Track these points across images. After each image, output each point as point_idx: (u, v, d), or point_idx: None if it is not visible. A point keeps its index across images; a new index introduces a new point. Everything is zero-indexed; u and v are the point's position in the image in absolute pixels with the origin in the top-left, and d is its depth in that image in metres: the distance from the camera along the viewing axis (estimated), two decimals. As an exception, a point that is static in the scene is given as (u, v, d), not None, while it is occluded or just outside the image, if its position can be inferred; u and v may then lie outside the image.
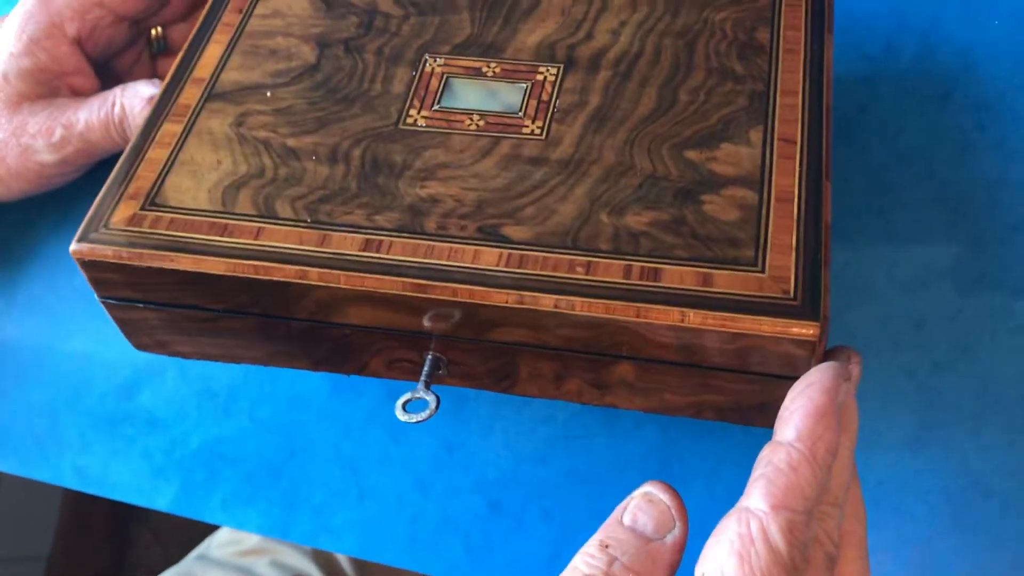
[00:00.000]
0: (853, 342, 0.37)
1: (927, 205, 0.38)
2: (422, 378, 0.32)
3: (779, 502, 0.25)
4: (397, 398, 0.31)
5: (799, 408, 0.26)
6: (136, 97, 0.39)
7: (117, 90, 0.40)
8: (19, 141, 0.40)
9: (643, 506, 0.28)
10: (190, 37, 0.37)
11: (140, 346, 0.35)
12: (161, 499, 0.41)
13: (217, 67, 0.36)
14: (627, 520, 0.27)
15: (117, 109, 0.40)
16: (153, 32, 0.44)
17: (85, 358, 0.43)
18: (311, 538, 0.40)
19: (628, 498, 0.28)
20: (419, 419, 0.31)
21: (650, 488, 0.28)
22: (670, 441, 0.38)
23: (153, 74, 0.45)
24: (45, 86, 0.40)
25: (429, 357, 0.32)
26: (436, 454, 0.39)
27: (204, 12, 0.38)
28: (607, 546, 0.27)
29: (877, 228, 0.38)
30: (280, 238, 0.31)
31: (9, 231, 0.45)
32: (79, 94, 0.41)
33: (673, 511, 0.27)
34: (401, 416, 0.31)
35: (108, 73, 0.43)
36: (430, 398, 0.31)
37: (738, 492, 0.28)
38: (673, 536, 0.27)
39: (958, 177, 0.38)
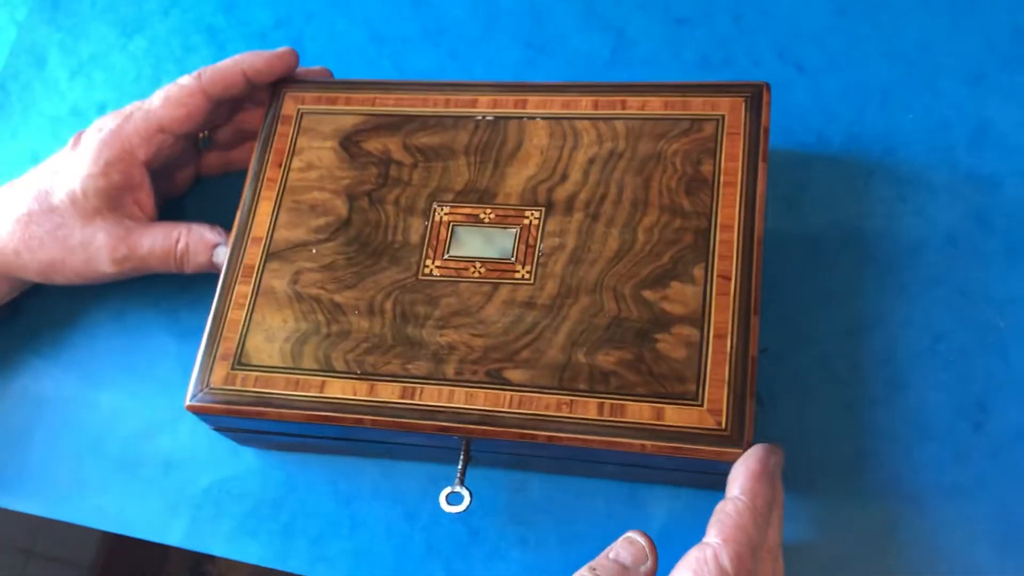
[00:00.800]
0: (800, 382, 0.42)
1: (857, 265, 0.43)
2: (457, 475, 0.40)
3: (728, 536, 0.33)
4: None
5: (742, 472, 0.35)
6: (200, 242, 0.45)
7: (183, 228, 0.46)
8: (86, 251, 0.45)
9: (624, 545, 0.36)
10: (243, 196, 0.45)
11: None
12: (172, 534, 0.45)
13: (269, 226, 0.44)
14: (611, 556, 0.36)
15: (180, 246, 0.45)
16: (200, 133, 0.50)
17: (112, 410, 0.48)
18: (307, 567, 0.43)
19: (615, 542, 0.36)
20: (459, 510, 0.39)
21: (631, 534, 0.36)
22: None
23: (198, 169, 0.51)
24: (116, 201, 0.45)
25: (460, 462, 0.40)
26: (423, 487, 0.43)
27: (250, 168, 0.45)
28: (594, 569, 0.35)
29: (815, 285, 0.43)
30: (338, 390, 0.40)
31: (57, 297, 0.51)
32: (141, 207, 0.47)
33: (647, 550, 0.36)
34: (445, 507, 0.39)
35: (159, 172, 0.49)
36: (464, 492, 0.39)
37: (694, 511, 0.41)
38: (646, 567, 0.35)
39: (884, 240, 0.43)
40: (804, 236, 0.45)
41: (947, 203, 0.44)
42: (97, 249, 0.45)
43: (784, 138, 0.46)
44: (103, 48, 0.57)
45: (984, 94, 0.45)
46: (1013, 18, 0.47)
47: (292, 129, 0.46)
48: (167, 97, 0.45)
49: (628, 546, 0.36)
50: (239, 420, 0.42)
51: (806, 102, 0.47)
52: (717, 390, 0.37)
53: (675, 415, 0.37)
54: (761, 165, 0.40)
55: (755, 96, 0.41)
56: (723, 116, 0.41)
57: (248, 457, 0.46)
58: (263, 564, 0.44)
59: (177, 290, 0.50)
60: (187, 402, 0.41)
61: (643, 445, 0.37)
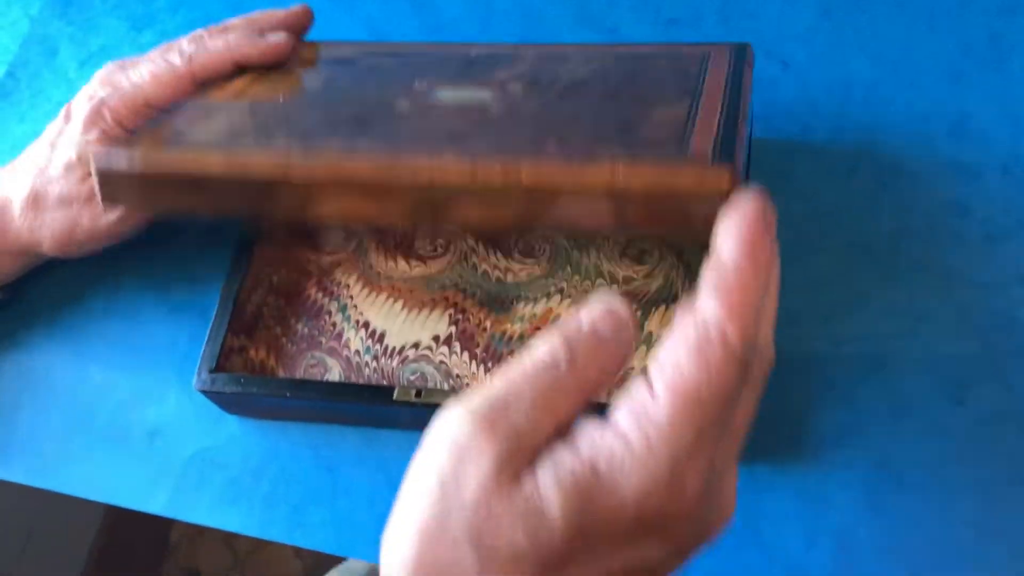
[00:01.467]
0: (783, 361, 0.42)
1: (840, 250, 0.44)
2: None
3: (734, 309, 0.25)
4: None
5: (736, 224, 0.27)
6: None
7: None
8: (91, 209, 0.46)
9: (604, 317, 0.27)
10: None
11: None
12: (155, 503, 0.45)
13: None
14: (586, 323, 0.27)
15: None
16: None
17: (101, 383, 0.48)
18: (288, 535, 0.43)
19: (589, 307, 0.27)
20: None
21: (611, 304, 0.27)
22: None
23: None
24: None
25: None
26: (405, 455, 0.43)
27: None
28: (568, 340, 0.26)
29: (798, 271, 0.44)
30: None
31: (53, 276, 0.51)
32: None
33: (628, 323, 0.27)
34: None
35: None
36: None
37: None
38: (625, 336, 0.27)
39: (866, 227, 0.44)
40: (788, 223, 0.45)
41: (927, 192, 0.45)
42: (99, 202, 0.45)
43: (769, 129, 0.47)
44: (113, 41, 0.59)
45: (963, 91, 0.47)
46: (989, 22, 0.48)
47: None
48: (155, 74, 0.46)
49: (608, 318, 0.27)
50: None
51: (791, 97, 0.48)
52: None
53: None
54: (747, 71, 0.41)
55: (739, 48, 0.42)
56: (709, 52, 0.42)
57: (231, 426, 0.46)
58: (244, 532, 0.44)
59: (172, 269, 0.50)
60: None
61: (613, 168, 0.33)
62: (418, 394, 0.42)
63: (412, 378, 0.43)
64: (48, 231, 0.46)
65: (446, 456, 0.25)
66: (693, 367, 0.25)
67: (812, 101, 0.48)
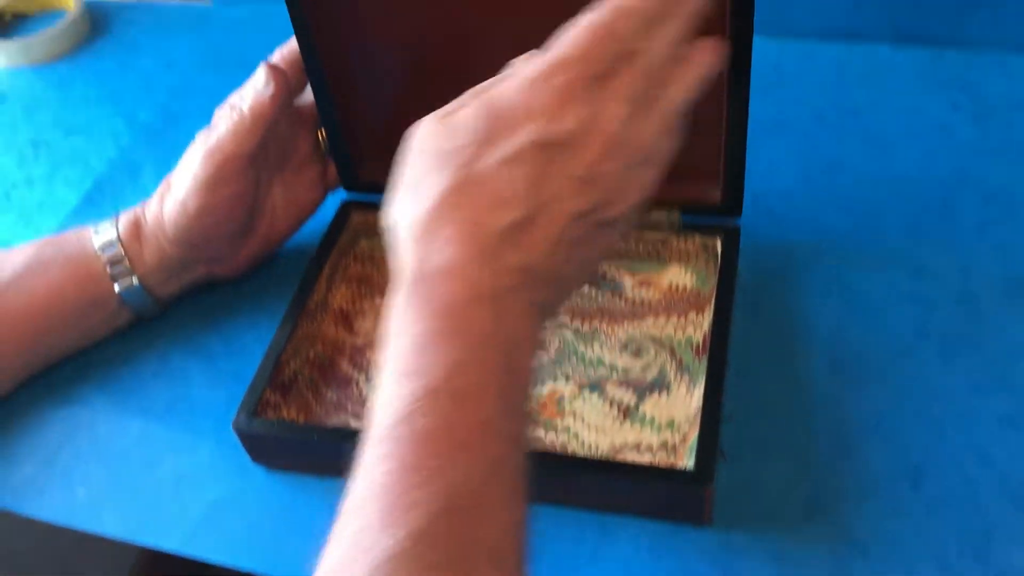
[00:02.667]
0: (759, 444, 0.47)
1: (814, 358, 0.50)
2: None
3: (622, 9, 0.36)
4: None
5: None
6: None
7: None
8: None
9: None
10: None
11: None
12: (172, 541, 0.48)
13: None
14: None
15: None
16: (320, 134, 0.57)
17: (139, 435, 0.53)
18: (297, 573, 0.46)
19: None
20: None
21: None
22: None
23: (323, 175, 0.58)
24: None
25: None
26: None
27: None
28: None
29: (777, 374, 0.50)
30: None
31: (110, 339, 0.57)
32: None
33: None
34: None
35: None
36: None
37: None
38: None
39: (837, 343, 0.51)
40: (775, 336, 0.52)
41: (890, 317, 0.52)
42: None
43: (753, 262, 0.55)
44: (190, 163, 0.68)
45: (918, 243, 0.55)
46: (943, 193, 0.57)
47: None
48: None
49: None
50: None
51: (775, 238, 0.56)
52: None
53: None
54: None
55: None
56: None
57: (257, 476, 0.50)
58: (257, 572, 0.47)
59: (219, 342, 0.56)
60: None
61: None
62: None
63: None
64: (168, 204, 0.53)
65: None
66: (569, 31, 0.37)
67: (791, 243, 0.56)
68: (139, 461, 0.52)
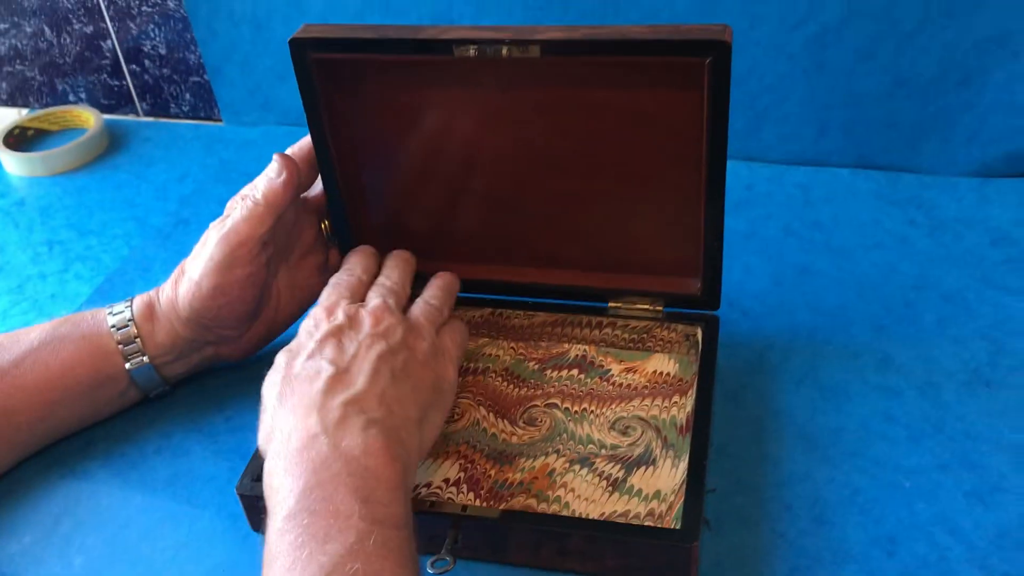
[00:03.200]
0: (741, 516, 0.49)
1: (791, 440, 0.53)
2: (446, 545, 0.48)
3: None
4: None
5: None
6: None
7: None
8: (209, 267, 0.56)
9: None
10: None
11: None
12: (170, 605, 0.49)
13: None
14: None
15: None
16: (323, 225, 0.62)
17: (139, 507, 0.54)
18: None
19: None
20: (443, 571, 0.47)
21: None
22: None
23: (326, 263, 0.62)
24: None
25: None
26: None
27: None
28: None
29: (758, 457, 0.53)
30: None
31: (115, 419, 0.59)
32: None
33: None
34: (431, 570, 0.47)
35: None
36: (449, 559, 0.47)
37: None
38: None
39: (811, 425, 0.54)
40: (748, 421, 0.55)
41: (858, 404, 0.55)
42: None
43: (733, 356, 0.59)
44: (199, 262, 0.72)
45: (885, 338, 0.59)
46: (904, 293, 0.62)
47: None
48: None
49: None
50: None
51: (750, 334, 0.60)
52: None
53: None
54: None
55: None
56: None
57: (254, 543, 0.51)
58: (251, 633, 0.47)
59: (221, 420, 0.59)
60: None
61: None
62: (430, 504, 0.48)
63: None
64: (182, 285, 0.56)
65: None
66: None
67: (767, 338, 0.60)
68: (138, 531, 0.53)
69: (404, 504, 0.44)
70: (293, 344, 0.51)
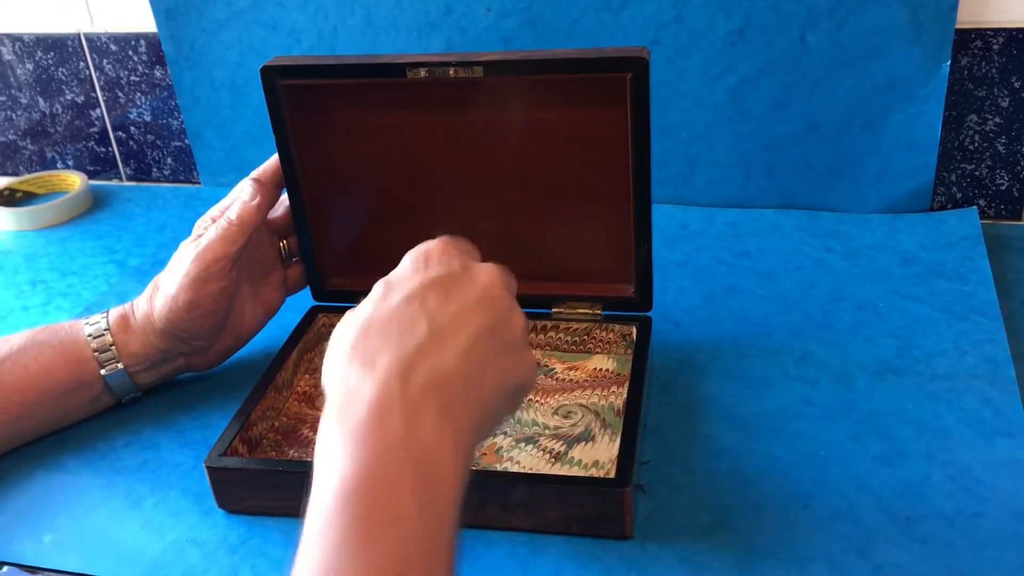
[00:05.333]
0: (669, 480, 0.53)
1: (718, 423, 0.58)
2: None
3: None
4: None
5: None
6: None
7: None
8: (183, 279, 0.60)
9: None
10: None
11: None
12: (134, 571, 0.52)
13: None
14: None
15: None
16: (281, 244, 0.67)
17: (107, 489, 0.57)
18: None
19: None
20: None
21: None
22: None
23: (284, 280, 0.67)
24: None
25: None
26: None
27: None
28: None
29: (682, 426, 0.57)
30: None
31: (89, 421, 0.63)
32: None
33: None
34: None
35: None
36: None
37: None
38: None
39: (737, 411, 0.59)
40: (678, 406, 0.60)
41: (779, 391, 0.60)
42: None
43: (667, 358, 0.64)
44: (174, 294, 0.77)
45: (804, 340, 0.64)
46: (823, 305, 0.68)
47: None
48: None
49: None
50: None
51: (681, 342, 0.66)
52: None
53: None
54: None
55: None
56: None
57: (217, 517, 0.54)
58: (210, 591, 0.50)
59: (188, 418, 0.62)
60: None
61: None
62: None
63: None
64: (157, 299, 0.61)
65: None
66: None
67: (696, 343, 0.65)
68: (106, 511, 0.56)
69: (458, 513, 0.38)
70: (393, 275, 0.45)
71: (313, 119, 0.62)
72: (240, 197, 0.63)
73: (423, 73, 0.58)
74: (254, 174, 0.64)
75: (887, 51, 0.72)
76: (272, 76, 0.60)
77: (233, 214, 0.62)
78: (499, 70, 0.57)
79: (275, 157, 0.64)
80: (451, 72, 0.57)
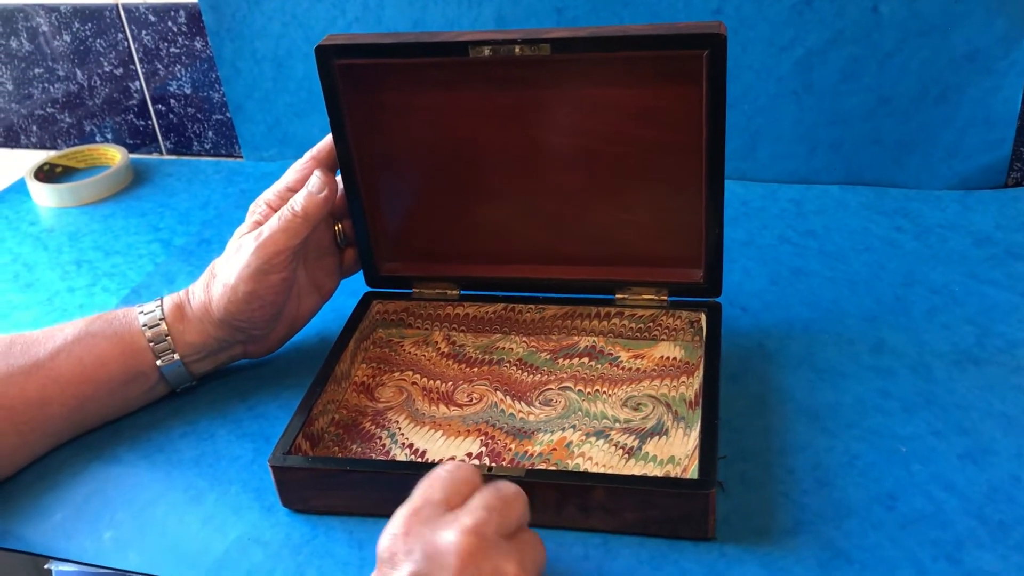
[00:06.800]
0: (749, 479, 0.52)
1: (791, 414, 0.56)
2: None
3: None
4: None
5: None
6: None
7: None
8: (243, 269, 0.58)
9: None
10: None
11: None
12: (197, 572, 0.51)
13: None
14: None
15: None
16: (336, 228, 0.64)
17: (164, 484, 0.56)
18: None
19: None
20: None
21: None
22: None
23: (339, 264, 0.65)
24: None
25: None
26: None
27: None
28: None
29: (760, 427, 0.55)
30: None
31: (144, 411, 0.62)
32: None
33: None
34: None
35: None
36: None
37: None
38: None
39: (808, 400, 0.57)
40: (750, 398, 0.58)
41: (854, 383, 0.58)
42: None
43: (736, 345, 0.62)
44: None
45: (877, 327, 0.62)
46: (895, 290, 0.65)
47: None
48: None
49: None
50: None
51: (750, 328, 0.64)
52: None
53: None
54: None
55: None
56: None
57: (280, 515, 0.53)
58: (277, 592, 0.49)
59: (246, 409, 0.61)
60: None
61: None
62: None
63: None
64: (215, 289, 0.59)
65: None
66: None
67: (765, 329, 0.63)
68: (165, 506, 0.55)
69: None
70: (412, 503, 0.44)
71: (369, 100, 0.60)
72: (308, 188, 0.60)
73: (487, 52, 0.55)
74: (312, 154, 0.62)
75: (966, 21, 0.68)
76: (328, 56, 0.58)
77: (299, 206, 0.60)
78: (567, 47, 0.54)
79: (331, 137, 0.61)
80: (517, 50, 0.55)
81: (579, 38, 0.54)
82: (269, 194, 0.62)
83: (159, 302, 0.61)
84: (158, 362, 0.60)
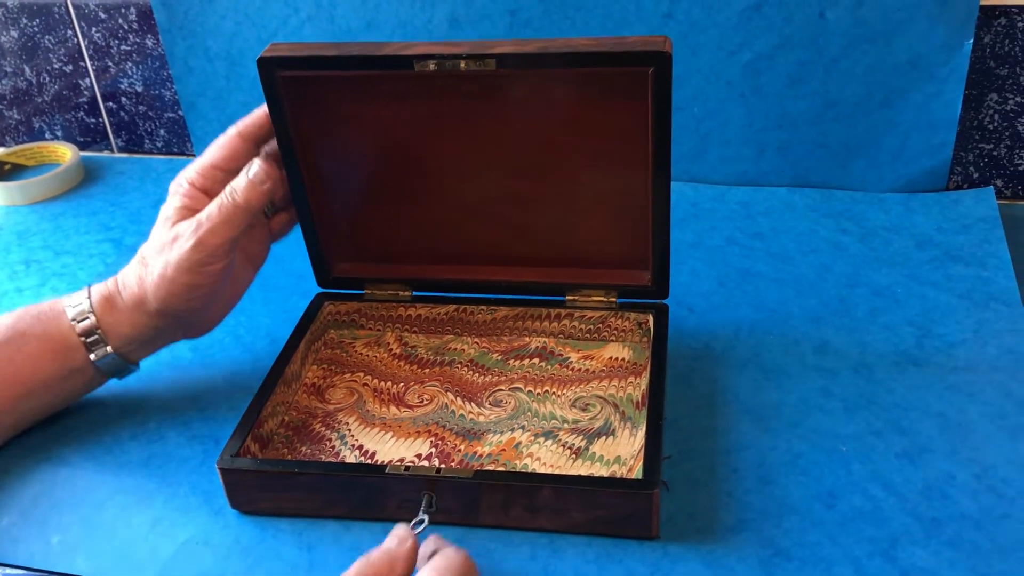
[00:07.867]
0: (693, 478, 0.53)
1: (736, 415, 0.57)
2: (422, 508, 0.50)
3: None
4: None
5: None
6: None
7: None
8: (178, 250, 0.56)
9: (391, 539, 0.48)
10: None
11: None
12: None
13: None
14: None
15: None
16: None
17: (115, 487, 0.56)
18: (266, 595, 0.49)
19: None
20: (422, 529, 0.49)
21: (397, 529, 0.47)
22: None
23: (269, 232, 0.63)
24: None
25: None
26: (378, 539, 0.51)
27: None
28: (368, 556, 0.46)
29: (701, 423, 0.56)
30: None
31: (94, 407, 0.61)
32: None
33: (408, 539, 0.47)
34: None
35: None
36: (426, 517, 0.50)
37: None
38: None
39: (753, 400, 0.58)
40: (696, 398, 0.59)
41: (798, 382, 0.59)
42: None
43: (681, 346, 0.63)
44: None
45: (821, 328, 0.64)
46: (839, 291, 0.67)
47: None
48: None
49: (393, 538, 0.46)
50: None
51: (696, 329, 0.65)
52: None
53: None
54: None
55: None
56: None
57: (228, 517, 0.53)
58: (225, 595, 0.49)
59: (195, 410, 0.61)
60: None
61: None
62: (406, 468, 0.51)
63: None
64: (150, 280, 0.57)
65: None
66: None
67: (712, 330, 0.64)
68: (114, 509, 0.55)
69: None
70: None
71: (315, 110, 0.59)
72: (251, 178, 0.59)
73: (432, 66, 0.55)
74: (238, 129, 0.60)
75: (909, 28, 0.70)
76: (270, 67, 0.57)
77: (240, 197, 0.58)
78: (513, 63, 0.55)
79: (262, 111, 0.60)
80: (462, 65, 0.55)
81: (525, 54, 0.54)
82: (191, 171, 0.60)
83: (86, 292, 0.60)
84: (91, 356, 0.59)
